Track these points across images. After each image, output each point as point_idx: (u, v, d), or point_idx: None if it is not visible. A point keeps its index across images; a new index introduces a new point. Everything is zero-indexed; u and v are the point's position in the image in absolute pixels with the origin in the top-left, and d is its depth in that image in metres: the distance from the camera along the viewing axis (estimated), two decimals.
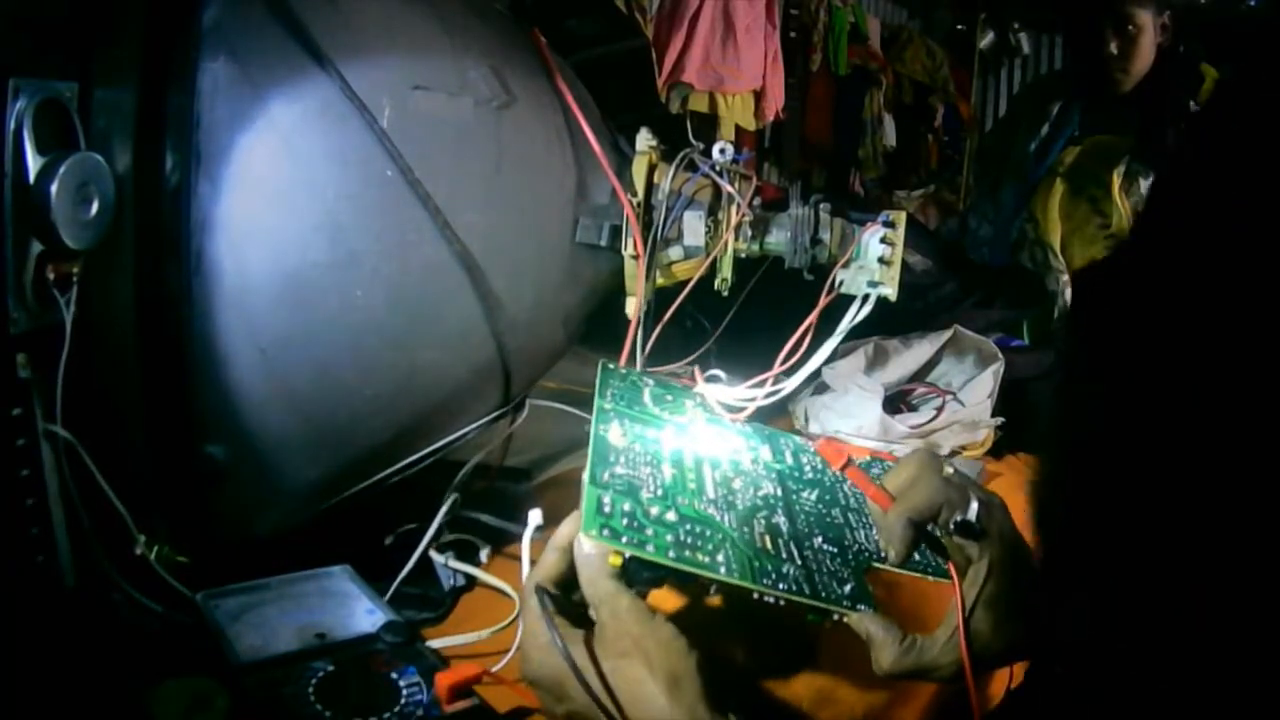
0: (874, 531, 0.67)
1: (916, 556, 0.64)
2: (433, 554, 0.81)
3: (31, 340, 0.62)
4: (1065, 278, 1.70)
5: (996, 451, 1.21)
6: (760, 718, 0.69)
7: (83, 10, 0.63)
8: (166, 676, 0.62)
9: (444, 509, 0.80)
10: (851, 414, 1.16)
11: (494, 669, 0.66)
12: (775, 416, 1.20)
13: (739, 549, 0.61)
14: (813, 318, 0.83)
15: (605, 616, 0.55)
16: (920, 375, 1.28)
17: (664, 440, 0.71)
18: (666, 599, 0.75)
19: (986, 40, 4.37)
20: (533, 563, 0.66)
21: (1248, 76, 0.37)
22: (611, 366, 0.83)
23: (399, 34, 0.73)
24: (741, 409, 0.84)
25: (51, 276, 0.62)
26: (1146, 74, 1.69)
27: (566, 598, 0.59)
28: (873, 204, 3.56)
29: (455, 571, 0.81)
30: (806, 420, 1.20)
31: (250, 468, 0.69)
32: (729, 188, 0.86)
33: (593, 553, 0.57)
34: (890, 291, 0.86)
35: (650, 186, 0.85)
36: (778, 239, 0.89)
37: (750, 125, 2.70)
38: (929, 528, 0.62)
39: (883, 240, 0.87)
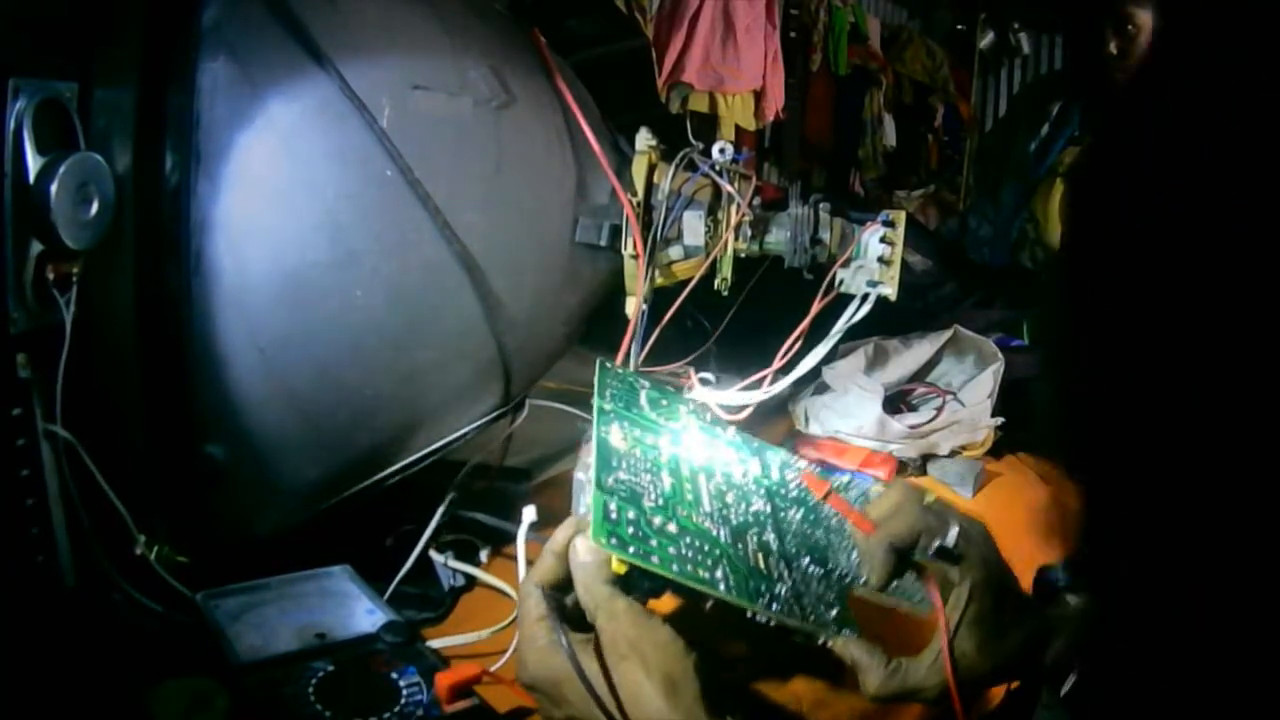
0: (855, 554, 0.67)
1: (896, 583, 0.64)
2: (432, 554, 0.81)
3: (31, 340, 0.62)
4: None
5: (996, 451, 1.21)
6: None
7: (83, 10, 0.63)
8: (166, 676, 0.63)
9: (442, 508, 0.80)
10: (851, 414, 1.15)
11: (494, 669, 0.66)
12: (775, 416, 1.20)
13: (735, 566, 0.61)
14: (810, 318, 0.83)
15: (603, 620, 0.55)
16: (920, 375, 1.27)
17: (662, 447, 0.71)
18: (663, 601, 0.74)
19: (986, 40, 4.36)
20: (529, 561, 0.66)
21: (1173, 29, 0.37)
22: (609, 365, 0.82)
23: (398, 34, 0.73)
24: (740, 410, 0.84)
25: (51, 276, 0.62)
26: None
27: (562, 602, 0.59)
28: (873, 204, 3.55)
29: (455, 571, 0.81)
30: (806, 420, 1.20)
31: (250, 468, 0.69)
32: (729, 187, 0.86)
33: (589, 560, 0.57)
34: (890, 291, 0.86)
35: (650, 186, 0.85)
36: (777, 239, 0.89)
37: (750, 125, 2.69)
38: (911, 555, 0.62)
39: (882, 240, 0.87)
